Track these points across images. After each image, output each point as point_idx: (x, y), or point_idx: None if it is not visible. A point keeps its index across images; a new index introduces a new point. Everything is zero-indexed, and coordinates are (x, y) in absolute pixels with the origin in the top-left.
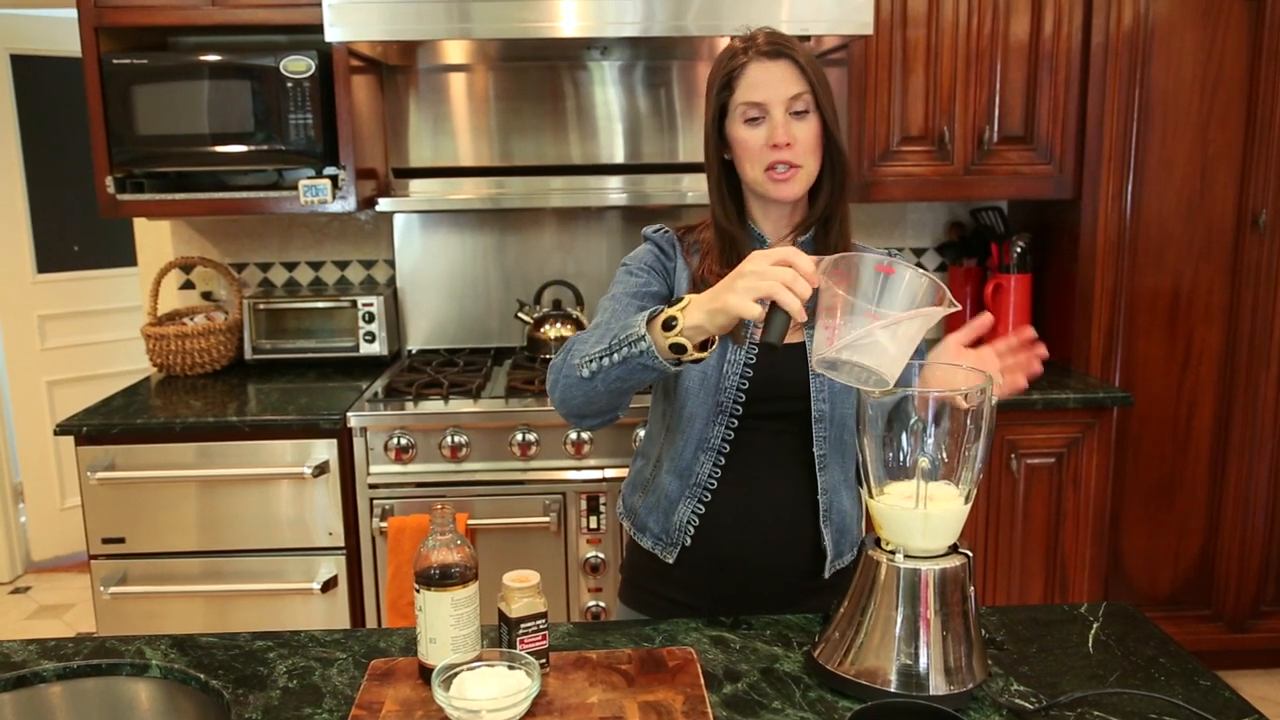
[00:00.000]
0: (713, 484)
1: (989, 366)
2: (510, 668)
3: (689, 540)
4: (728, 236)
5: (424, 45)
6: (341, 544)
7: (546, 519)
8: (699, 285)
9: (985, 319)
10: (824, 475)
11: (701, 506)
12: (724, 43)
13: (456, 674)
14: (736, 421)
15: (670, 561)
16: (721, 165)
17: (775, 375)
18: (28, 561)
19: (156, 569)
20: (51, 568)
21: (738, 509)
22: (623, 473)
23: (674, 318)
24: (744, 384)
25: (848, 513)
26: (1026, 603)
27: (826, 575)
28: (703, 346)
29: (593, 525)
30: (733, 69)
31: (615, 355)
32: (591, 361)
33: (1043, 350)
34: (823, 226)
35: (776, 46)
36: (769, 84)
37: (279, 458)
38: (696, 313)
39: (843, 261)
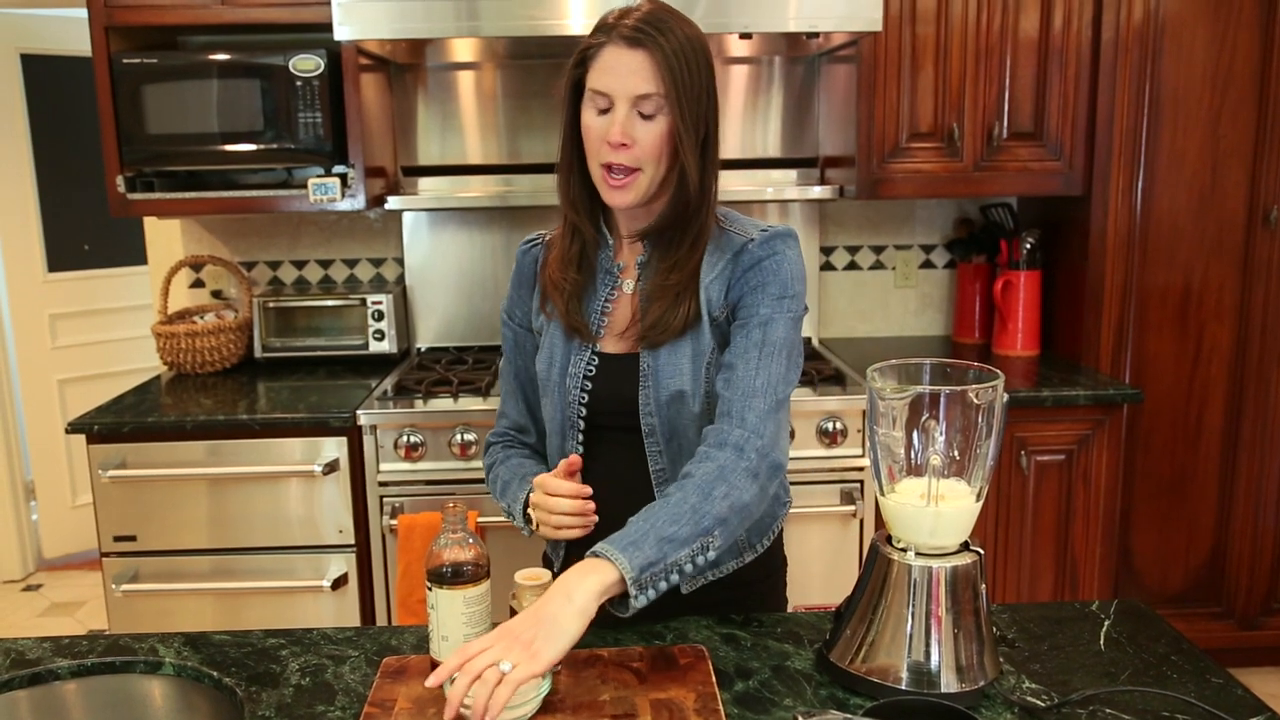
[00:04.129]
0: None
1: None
2: None
3: (562, 554)
4: (574, 229)
5: (432, 43)
6: (351, 541)
7: None
8: (543, 294)
9: (572, 461)
10: (661, 490)
11: None
12: (731, 40)
13: None
14: (583, 435)
15: (557, 568)
16: (574, 149)
17: (610, 388)
18: (39, 559)
19: (167, 566)
20: (63, 565)
21: (601, 521)
22: None
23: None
24: (584, 397)
25: None
26: (1036, 600)
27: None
28: None
29: None
30: (589, 46)
31: (510, 518)
32: (504, 512)
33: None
34: (665, 239)
35: (639, 33)
36: (619, 74)
37: (289, 456)
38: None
39: None
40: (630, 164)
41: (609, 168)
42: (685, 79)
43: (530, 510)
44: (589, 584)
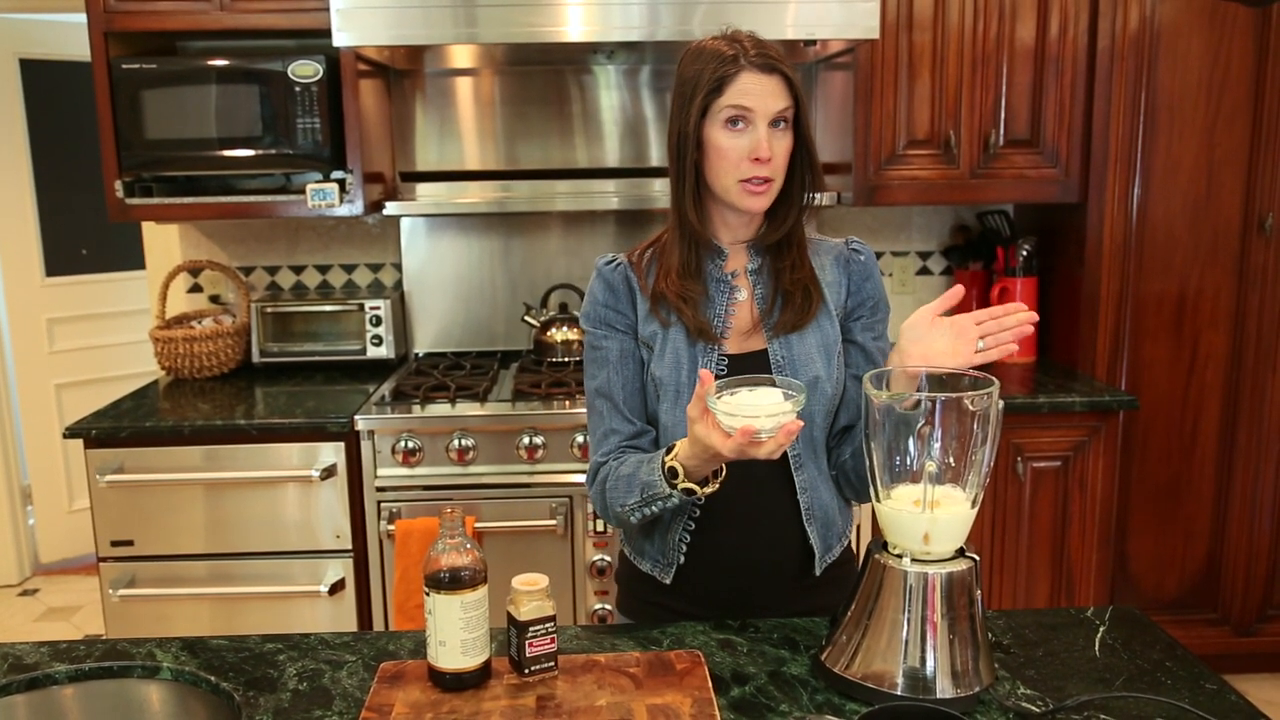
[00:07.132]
0: (700, 500)
1: (966, 335)
2: (751, 389)
3: (683, 559)
4: (693, 240)
5: (431, 50)
6: (349, 547)
7: (553, 522)
8: (657, 300)
9: (957, 291)
10: (800, 474)
11: (692, 524)
12: None
13: (722, 395)
14: None
15: (668, 582)
16: (694, 168)
17: None
18: (36, 564)
19: (165, 571)
20: (59, 570)
21: (725, 521)
22: None
23: (675, 470)
24: None
25: (829, 506)
26: (1032, 606)
27: (818, 573)
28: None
29: (599, 528)
30: (724, 75)
31: (650, 507)
32: (633, 512)
33: (1028, 316)
34: (776, 244)
35: (769, 60)
36: (760, 95)
37: (286, 461)
38: (690, 462)
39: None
40: (768, 175)
41: (748, 179)
42: (802, 96)
43: (679, 456)
44: None
